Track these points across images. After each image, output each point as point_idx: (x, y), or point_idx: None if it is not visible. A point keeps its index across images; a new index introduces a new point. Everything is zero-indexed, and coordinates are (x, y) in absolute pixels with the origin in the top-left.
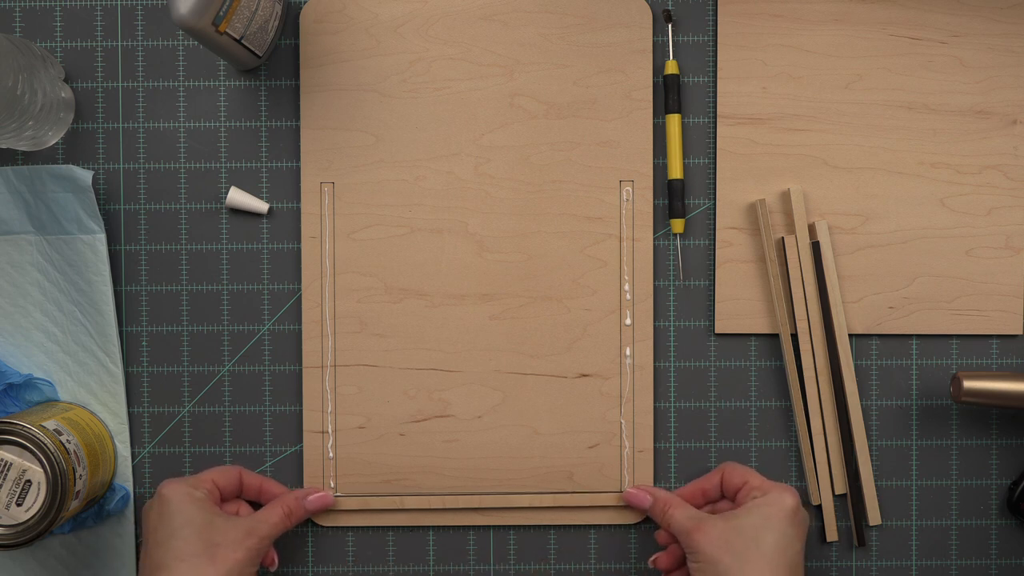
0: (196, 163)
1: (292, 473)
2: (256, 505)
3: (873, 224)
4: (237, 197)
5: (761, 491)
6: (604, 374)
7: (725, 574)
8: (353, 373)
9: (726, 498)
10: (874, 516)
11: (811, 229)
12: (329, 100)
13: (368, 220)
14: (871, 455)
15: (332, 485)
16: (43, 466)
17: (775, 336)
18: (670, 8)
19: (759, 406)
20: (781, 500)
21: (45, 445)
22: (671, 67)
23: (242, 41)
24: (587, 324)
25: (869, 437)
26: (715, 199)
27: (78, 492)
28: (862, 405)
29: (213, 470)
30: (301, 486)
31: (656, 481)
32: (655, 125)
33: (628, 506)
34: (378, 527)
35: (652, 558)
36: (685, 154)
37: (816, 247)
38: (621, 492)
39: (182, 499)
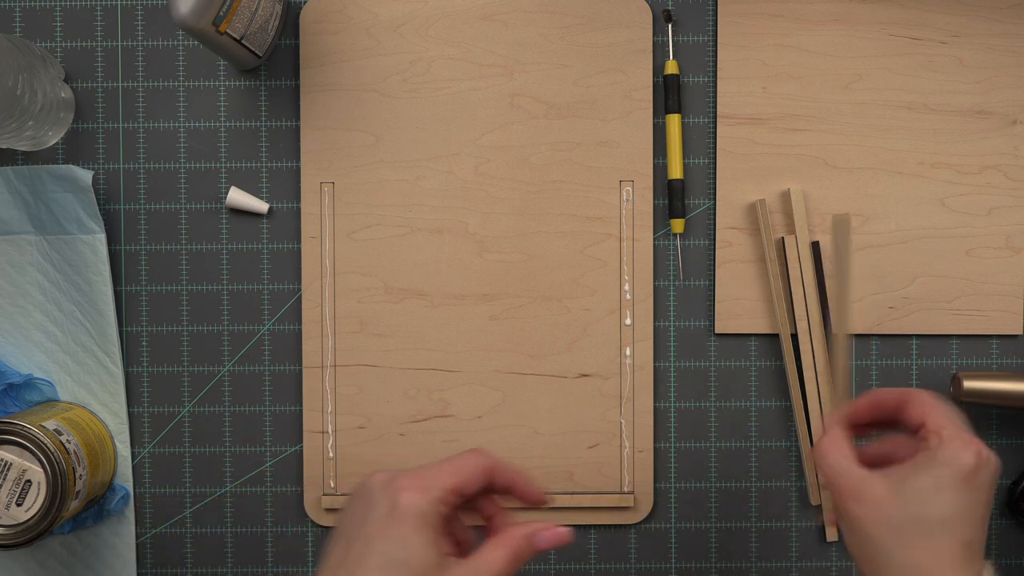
0: (196, 163)
1: (292, 473)
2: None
3: (873, 224)
4: (237, 197)
5: (937, 440)
6: (604, 374)
7: (882, 558)
8: (353, 373)
9: (901, 429)
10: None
11: (838, 222)
12: (329, 100)
13: (368, 220)
14: None
15: (332, 485)
16: (43, 466)
17: (775, 336)
18: (670, 8)
19: (759, 406)
20: (957, 459)
21: (45, 445)
22: (671, 67)
23: (242, 41)
24: (587, 324)
25: (869, 437)
26: (715, 199)
27: (78, 492)
28: None
29: (461, 469)
30: (301, 486)
31: (656, 481)
32: (655, 125)
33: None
34: None
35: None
36: (685, 154)
37: (816, 247)
38: (622, 492)
39: (416, 526)
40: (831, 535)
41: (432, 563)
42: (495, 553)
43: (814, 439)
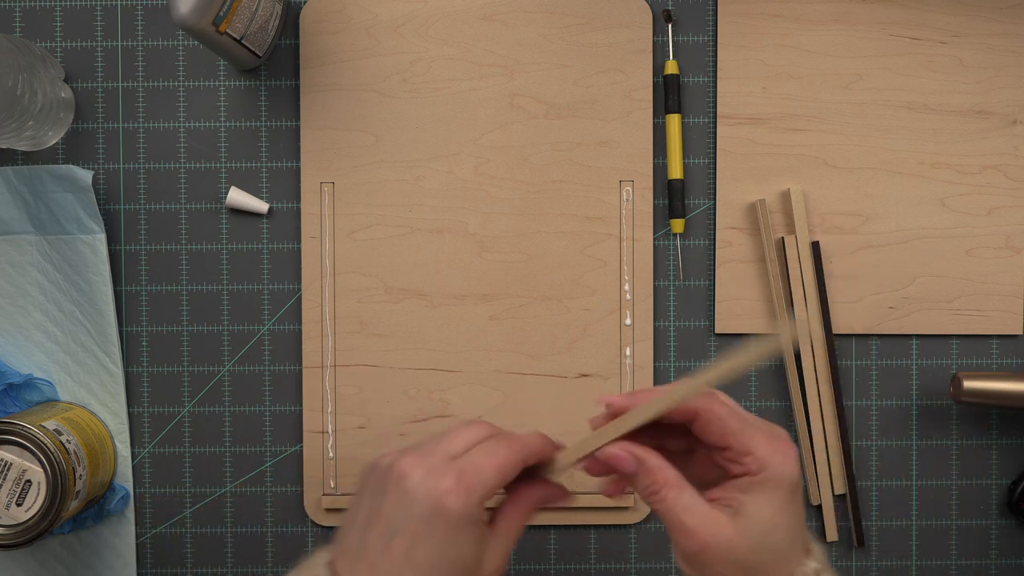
0: (196, 163)
1: (292, 473)
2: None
3: (873, 224)
4: (237, 197)
5: (756, 464)
6: (604, 374)
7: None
8: (353, 373)
9: (697, 445)
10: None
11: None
12: (329, 100)
13: (368, 220)
14: (872, 455)
15: (332, 485)
16: (43, 466)
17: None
18: (670, 8)
19: (759, 406)
20: (784, 476)
21: (45, 445)
22: (671, 67)
23: (242, 41)
24: (587, 324)
25: (869, 437)
26: (715, 199)
27: (78, 492)
28: (862, 405)
29: (506, 465)
30: (301, 486)
31: None
32: (655, 125)
33: (608, 473)
34: None
35: (606, 486)
36: (685, 154)
37: (816, 247)
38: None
39: (464, 529)
40: (831, 535)
41: (479, 556)
42: (509, 519)
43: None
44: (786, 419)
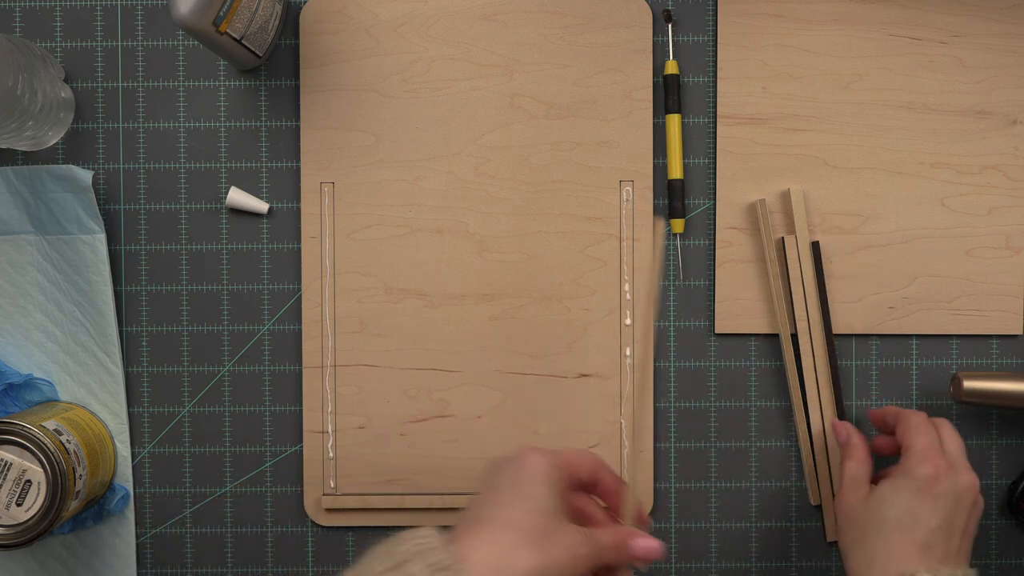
0: (196, 163)
1: (292, 473)
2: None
3: (873, 224)
4: (237, 197)
5: (906, 456)
6: (604, 374)
7: (847, 548)
8: (353, 373)
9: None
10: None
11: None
12: (329, 100)
13: (368, 220)
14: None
15: (332, 485)
16: (43, 466)
17: (775, 336)
18: (670, 8)
19: (759, 406)
20: (915, 470)
21: (45, 445)
22: (671, 67)
23: (242, 41)
24: (587, 324)
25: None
26: (715, 199)
27: (78, 492)
28: (862, 405)
29: (577, 455)
30: (301, 486)
31: (656, 481)
32: (655, 125)
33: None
34: (378, 527)
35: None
36: (685, 154)
37: (816, 247)
38: None
39: (540, 477)
40: (831, 535)
41: (554, 506)
42: (605, 532)
43: (838, 435)
44: (786, 419)
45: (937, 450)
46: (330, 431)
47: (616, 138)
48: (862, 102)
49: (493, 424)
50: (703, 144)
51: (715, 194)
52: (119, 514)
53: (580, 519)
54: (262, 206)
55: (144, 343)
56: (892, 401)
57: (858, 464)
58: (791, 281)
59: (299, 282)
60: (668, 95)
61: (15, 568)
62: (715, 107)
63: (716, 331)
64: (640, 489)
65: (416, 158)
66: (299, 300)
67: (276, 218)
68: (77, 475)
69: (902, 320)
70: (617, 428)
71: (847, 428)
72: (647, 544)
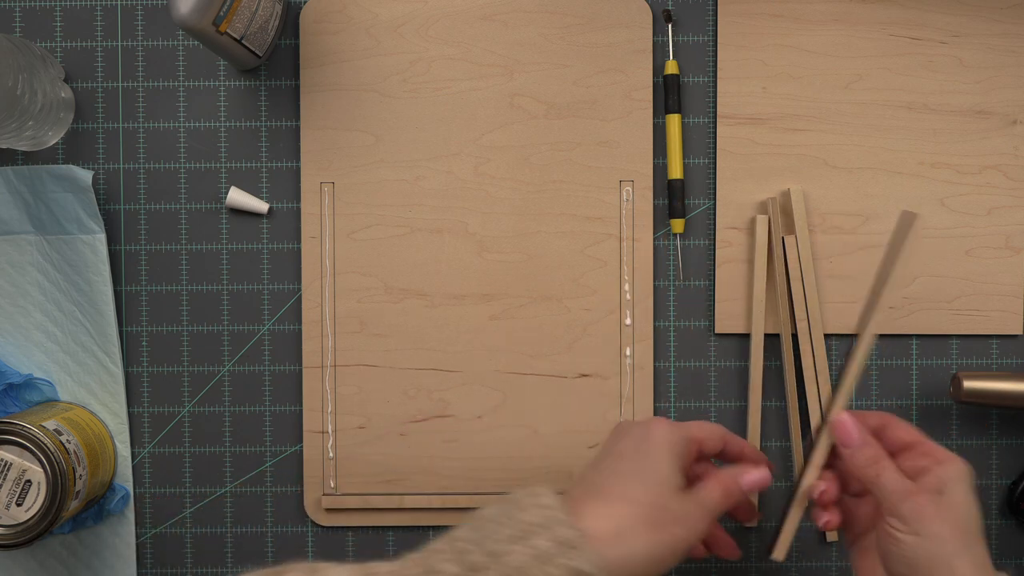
0: (196, 163)
1: (292, 473)
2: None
3: (873, 224)
4: (237, 197)
5: (942, 456)
6: (604, 374)
7: (952, 556)
8: (353, 373)
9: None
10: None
11: (903, 218)
12: (329, 100)
13: (368, 220)
14: None
15: (332, 485)
16: (43, 466)
17: (775, 336)
18: (670, 8)
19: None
20: (962, 472)
21: (45, 445)
22: (671, 67)
23: (242, 41)
24: (587, 324)
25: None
26: (715, 199)
27: (78, 492)
28: (862, 405)
29: (704, 427)
30: (301, 486)
31: None
32: (655, 125)
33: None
34: (378, 527)
35: (824, 521)
36: (685, 154)
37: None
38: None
39: (665, 447)
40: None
41: (674, 480)
42: (711, 489)
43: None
44: (786, 419)
45: (946, 449)
46: (330, 431)
47: (616, 138)
48: (862, 102)
49: (493, 424)
50: (703, 144)
51: (715, 194)
52: (119, 514)
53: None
54: (262, 206)
55: (144, 343)
56: (892, 402)
57: (894, 466)
58: (791, 281)
59: (299, 282)
60: (668, 95)
61: (15, 568)
62: (715, 107)
63: (716, 331)
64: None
65: (416, 158)
66: (299, 300)
67: (276, 218)
68: (77, 475)
69: (902, 320)
70: None
71: (855, 426)
72: (753, 478)
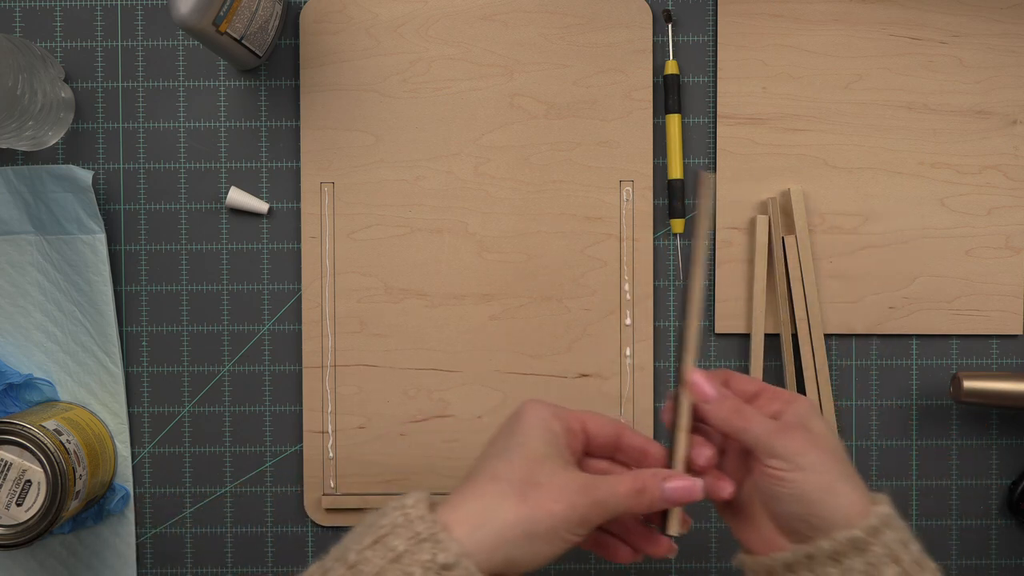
0: (196, 163)
1: (292, 473)
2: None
3: (873, 224)
4: (237, 197)
5: (786, 400)
6: (604, 374)
7: (835, 482)
8: (353, 373)
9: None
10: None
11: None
12: (329, 100)
13: (368, 220)
14: (872, 455)
15: (332, 485)
16: (43, 466)
17: (775, 336)
18: (670, 8)
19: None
20: (814, 404)
21: (45, 445)
22: (671, 67)
23: (242, 41)
24: (587, 324)
25: (869, 437)
26: (715, 199)
27: (78, 492)
28: (862, 405)
29: (589, 413)
30: (301, 486)
31: None
32: (655, 125)
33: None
34: None
35: (726, 490)
36: (685, 154)
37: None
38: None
39: (534, 422)
40: None
41: (544, 453)
42: (618, 481)
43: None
44: None
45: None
46: (330, 431)
47: (616, 138)
48: (862, 102)
49: (493, 424)
50: (703, 144)
51: (715, 194)
52: (119, 514)
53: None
54: (262, 206)
55: (144, 343)
56: (892, 402)
57: (760, 414)
58: (791, 281)
59: (299, 282)
60: (668, 95)
61: (15, 568)
62: (715, 107)
63: (716, 331)
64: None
65: (416, 158)
66: (299, 300)
67: (276, 218)
68: (77, 475)
69: (902, 320)
70: None
71: (710, 382)
72: (679, 485)
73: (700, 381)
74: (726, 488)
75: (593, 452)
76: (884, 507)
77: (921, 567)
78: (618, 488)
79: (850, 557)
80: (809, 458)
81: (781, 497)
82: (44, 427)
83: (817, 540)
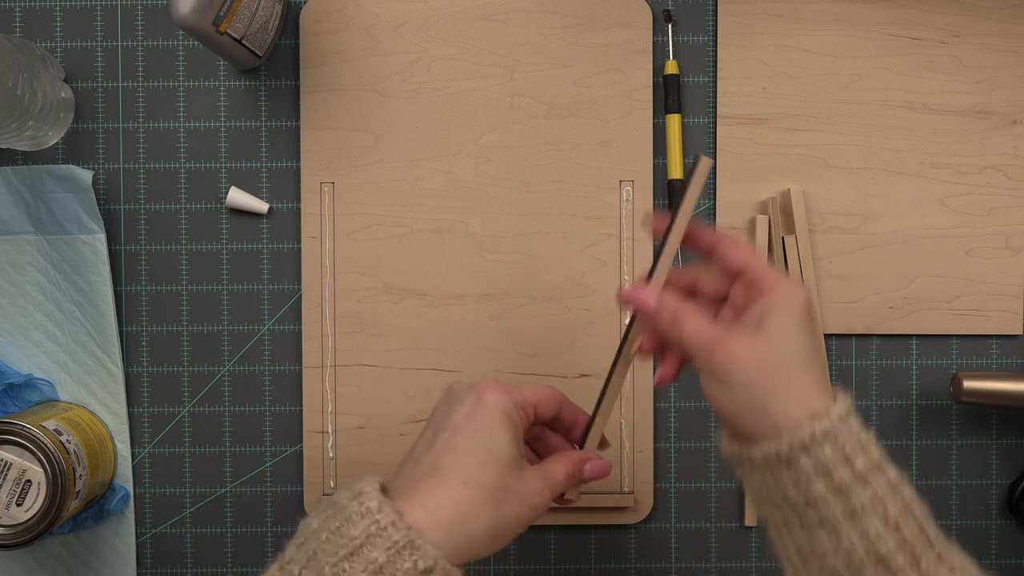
0: (196, 163)
1: (292, 473)
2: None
3: (873, 224)
4: (237, 197)
5: (768, 283)
6: (604, 374)
7: (764, 398)
8: (353, 373)
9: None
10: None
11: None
12: (329, 100)
13: (368, 220)
14: None
15: (332, 485)
16: (43, 466)
17: None
18: (670, 8)
19: None
20: (794, 299)
21: (45, 445)
22: (671, 67)
23: (242, 41)
24: (587, 324)
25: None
26: (715, 199)
27: (78, 492)
28: (862, 405)
29: (538, 390)
30: (301, 486)
31: (656, 481)
32: (655, 125)
33: (628, 312)
34: None
35: (636, 345)
36: (685, 154)
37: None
38: (619, 301)
39: (501, 419)
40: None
41: (513, 455)
42: (558, 467)
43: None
44: None
45: (780, 273)
46: (330, 431)
47: (616, 138)
48: (862, 102)
49: None
50: (703, 144)
51: (715, 194)
52: (119, 514)
53: (538, 448)
54: (262, 206)
55: (144, 343)
56: (892, 401)
57: (699, 316)
58: None
59: (299, 282)
60: (668, 95)
61: (15, 568)
62: (715, 107)
63: None
64: (640, 490)
65: (416, 158)
66: (299, 300)
67: (276, 218)
68: (77, 475)
69: (902, 320)
70: (617, 428)
71: (643, 291)
72: (595, 466)
73: (636, 293)
74: (658, 377)
75: (533, 424)
76: (823, 422)
77: (865, 481)
78: (559, 476)
79: (777, 468)
80: (738, 375)
81: (714, 406)
82: (44, 427)
83: (748, 446)
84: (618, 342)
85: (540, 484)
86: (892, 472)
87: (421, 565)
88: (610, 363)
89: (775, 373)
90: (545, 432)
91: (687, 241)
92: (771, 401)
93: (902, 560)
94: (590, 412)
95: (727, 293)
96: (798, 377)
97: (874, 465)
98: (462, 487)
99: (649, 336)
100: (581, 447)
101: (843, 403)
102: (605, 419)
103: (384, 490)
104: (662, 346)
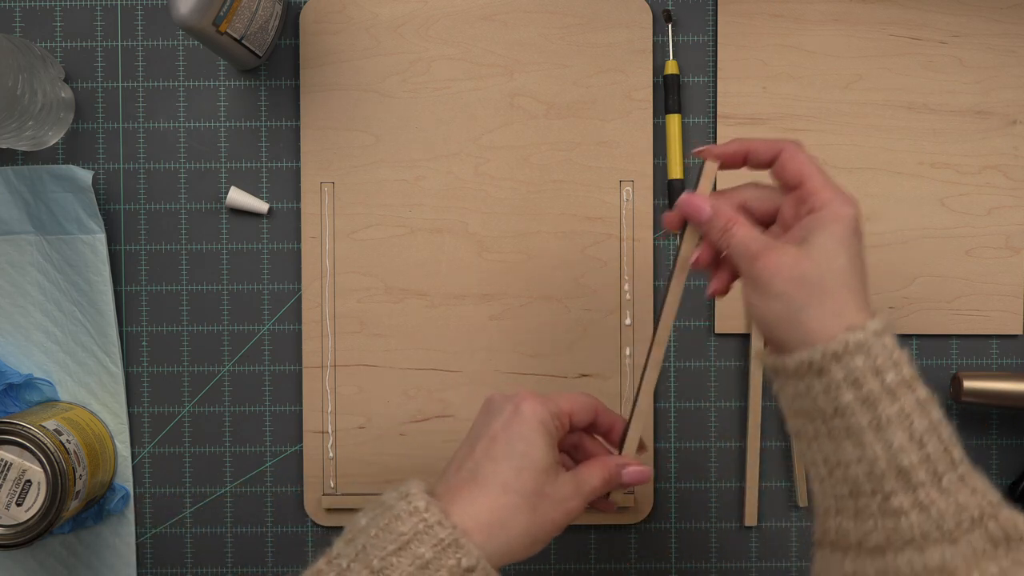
0: (196, 163)
1: (292, 473)
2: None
3: (873, 224)
4: (237, 197)
5: (820, 201)
6: (604, 374)
7: (799, 310)
8: (353, 373)
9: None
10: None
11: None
12: (329, 100)
13: (368, 220)
14: None
15: (332, 485)
16: (43, 466)
17: None
18: (670, 8)
19: (759, 406)
20: (845, 214)
21: (45, 445)
22: (671, 67)
23: (242, 41)
24: (587, 324)
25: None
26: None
27: (78, 492)
28: None
29: (574, 399)
30: (301, 486)
31: (656, 480)
32: (655, 125)
33: (682, 222)
34: None
35: (693, 256)
36: (685, 154)
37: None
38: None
39: (537, 428)
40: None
41: (549, 463)
42: (592, 472)
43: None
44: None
45: (838, 185)
46: (330, 431)
47: (616, 138)
48: (862, 102)
49: None
50: (703, 144)
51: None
52: (119, 514)
53: (577, 456)
54: (262, 206)
55: (144, 343)
56: None
57: (750, 226)
58: None
59: (299, 282)
60: (668, 95)
61: (15, 568)
62: (715, 107)
63: (716, 331)
64: (640, 490)
65: (416, 158)
66: (299, 300)
67: (276, 218)
68: (77, 475)
69: (902, 320)
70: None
71: (700, 200)
72: (633, 472)
73: (692, 201)
74: (712, 288)
75: (572, 430)
76: (857, 334)
77: (893, 395)
78: (594, 482)
79: (809, 377)
80: (775, 286)
81: (751, 317)
82: (44, 427)
83: (783, 356)
84: (618, 342)
85: (572, 490)
86: (922, 391)
87: (465, 563)
88: (613, 363)
89: (813, 287)
90: (583, 439)
91: (748, 155)
92: (805, 314)
93: (923, 475)
94: (626, 417)
95: (775, 214)
96: (837, 292)
97: (904, 382)
98: (500, 493)
99: (706, 247)
100: (620, 452)
101: (881, 320)
102: (640, 423)
103: (429, 492)
104: (716, 259)
